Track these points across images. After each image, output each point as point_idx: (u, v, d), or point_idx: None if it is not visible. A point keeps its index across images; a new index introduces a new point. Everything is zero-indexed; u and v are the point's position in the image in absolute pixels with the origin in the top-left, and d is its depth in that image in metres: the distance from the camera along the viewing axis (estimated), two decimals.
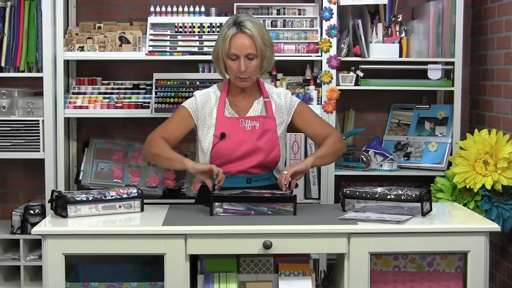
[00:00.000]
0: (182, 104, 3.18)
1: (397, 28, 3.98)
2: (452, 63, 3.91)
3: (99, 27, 3.99)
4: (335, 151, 3.15)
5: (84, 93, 3.96)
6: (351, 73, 3.94)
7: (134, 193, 2.93)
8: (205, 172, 2.97)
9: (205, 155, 3.09)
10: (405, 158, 4.07)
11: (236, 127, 3.08)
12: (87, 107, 3.90)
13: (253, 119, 3.10)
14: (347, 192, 2.91)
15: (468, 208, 3.41)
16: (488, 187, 3.47)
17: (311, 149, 3.90)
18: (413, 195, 2.79)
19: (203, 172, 2.97)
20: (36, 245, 3.90)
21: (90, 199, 2.83)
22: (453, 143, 3.92)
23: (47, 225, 2.74)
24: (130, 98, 3.94)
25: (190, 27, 3.89)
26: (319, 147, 3.17)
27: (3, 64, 3.84)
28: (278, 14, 3.98)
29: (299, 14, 3.99)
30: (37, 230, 2.66)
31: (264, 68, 3.12)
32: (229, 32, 3.04)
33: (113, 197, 2.88)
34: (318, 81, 3.91)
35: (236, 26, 3.04)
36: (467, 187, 3.53)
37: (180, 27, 3.89)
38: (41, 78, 3.81)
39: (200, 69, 4.02)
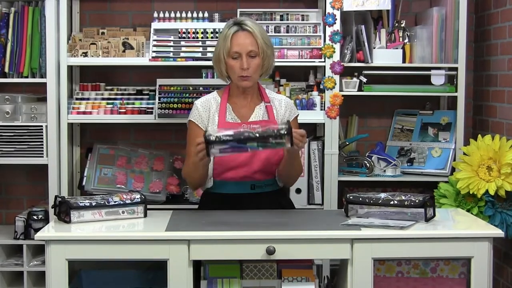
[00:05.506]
0: (189, 119, 3.15)
1: (400, 34, 3.98)
2: (456, 69, 3.91)
3: (103, 33, 4.00)
4: (296, 170, 3.13)
5: (88, 99, 3.97)
6: (354, 79, 3.94)
7: (137, 198, 2.92)
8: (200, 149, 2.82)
9: (209, 162, 3.08)
10: (408, 164, 4.07)
11: None
12: (90, 113, 3.90)
13: (255, 124, 3.09)
14: (351, 197, 2.91)
15: (472, 214, 3.40)
16: (492, 192, 3.46)
17: (314, 154, 3.90)
18: (417, 201, 2.78)
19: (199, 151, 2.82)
20: (39, 250, 3.89)
21: (93, 205, 2.83)
22: (457, 149, 3.92)
23: (50, 231, 2.75)
24: (133, 103, 3.95)
25: (193, 32, 3.89)
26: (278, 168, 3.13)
27: (7, 70, 3.85)
28: (281, 19, 3.99)
29: (303, 19, 4.00)
30: (40, 235, 2.67)
31: (265, 67, 3.12)
32: (230, 31, 3.05)
33: (116, 203, 2.87)
34: (321, 86, 3.91)
35: (236, 25, 3.06)
36: (471, 192, 3.53)
37: (184, 32, 3.90)
38: (44, 84, 3.82)
39: (204, 75, 4.02)
